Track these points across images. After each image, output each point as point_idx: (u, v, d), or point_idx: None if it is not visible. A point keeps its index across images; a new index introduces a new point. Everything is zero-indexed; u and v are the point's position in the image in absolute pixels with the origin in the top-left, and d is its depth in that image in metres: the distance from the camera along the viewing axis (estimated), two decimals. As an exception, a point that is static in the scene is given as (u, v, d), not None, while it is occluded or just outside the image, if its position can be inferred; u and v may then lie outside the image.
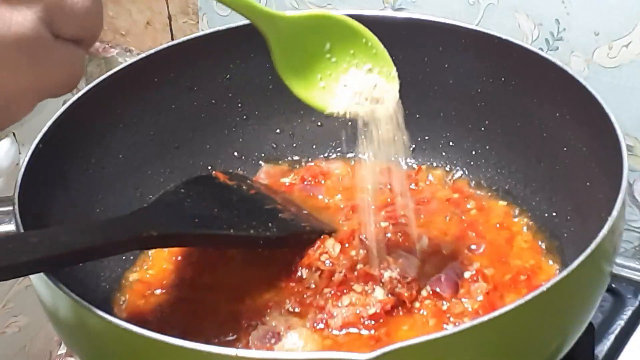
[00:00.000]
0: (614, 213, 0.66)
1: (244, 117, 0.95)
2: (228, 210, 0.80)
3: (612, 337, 0.82)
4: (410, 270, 0.77)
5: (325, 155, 0.98)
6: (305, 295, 0.78)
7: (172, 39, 1.42)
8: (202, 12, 1.23)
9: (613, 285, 0.86)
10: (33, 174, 0.75)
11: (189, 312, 0.78)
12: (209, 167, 0.93)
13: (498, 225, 0.86)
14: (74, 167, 0.82)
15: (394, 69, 0.72)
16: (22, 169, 0.75)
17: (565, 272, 0.62)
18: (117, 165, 0.87)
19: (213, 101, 0.93)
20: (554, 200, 0.86)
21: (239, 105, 0.95)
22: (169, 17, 1.41)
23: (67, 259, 0.66)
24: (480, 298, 0.76)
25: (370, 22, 0.91)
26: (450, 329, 0.61)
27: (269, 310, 0.77)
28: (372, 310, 0.75)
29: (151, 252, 0.86)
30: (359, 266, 0.78)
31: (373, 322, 0.75)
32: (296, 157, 0.97)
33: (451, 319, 0.75)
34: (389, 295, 0.76)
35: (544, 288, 0.61)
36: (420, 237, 0.82)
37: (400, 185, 0.84)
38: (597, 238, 0.64)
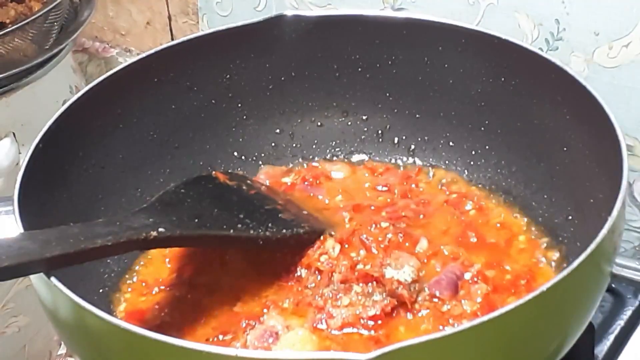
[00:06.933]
0: (614, 213, 0.66)
1: (244, 117, 0.95)
2: (228, 210, 0.80)
3: (612, 337, 0.82)
4: (410, 272, 0.77)
5: (326, 155, 0.97)
6: (304, 295, 0.78)
7: (172, 39, 1.42)
8: (202, 12, 1.23)
9: (613, 285, 0.86)
10: (33, 174, 0.75)
11: (189, 311, 0.78)
12: (209, 167, 0.93)
13: (498, 225, 0.86)
14: (74, 167, 0.82)
15: None
16: (22, 169, 0.75)
17: (565, 273, 0.62)
18: (117, 165, 0.87)
19: (213, 101, 0.93)
20: (554, 200, 0.85)
21: (239, 105, 0.95)
22: (169, 17, 1.41)
23: (66, 259, 0.66)
24: (480, 300, 0.76)
25: (370, 22, 0.92)
26: (450, 329, 0.61)
27: (267, 310, 0.77)
28: (372, 312, 0.75)
29: (151, 252, 0.86)
30: (359, 267, 0.78)
31: (372, 322, 0.75)
32: (296, 157, 0.97)
33: (450, 320, 0.75)
34: (389, 297, 0.76)
35: (543, 288, 0.61)
36: (420, 238, 0.82)
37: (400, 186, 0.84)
38: (597, 238, 0.64)
